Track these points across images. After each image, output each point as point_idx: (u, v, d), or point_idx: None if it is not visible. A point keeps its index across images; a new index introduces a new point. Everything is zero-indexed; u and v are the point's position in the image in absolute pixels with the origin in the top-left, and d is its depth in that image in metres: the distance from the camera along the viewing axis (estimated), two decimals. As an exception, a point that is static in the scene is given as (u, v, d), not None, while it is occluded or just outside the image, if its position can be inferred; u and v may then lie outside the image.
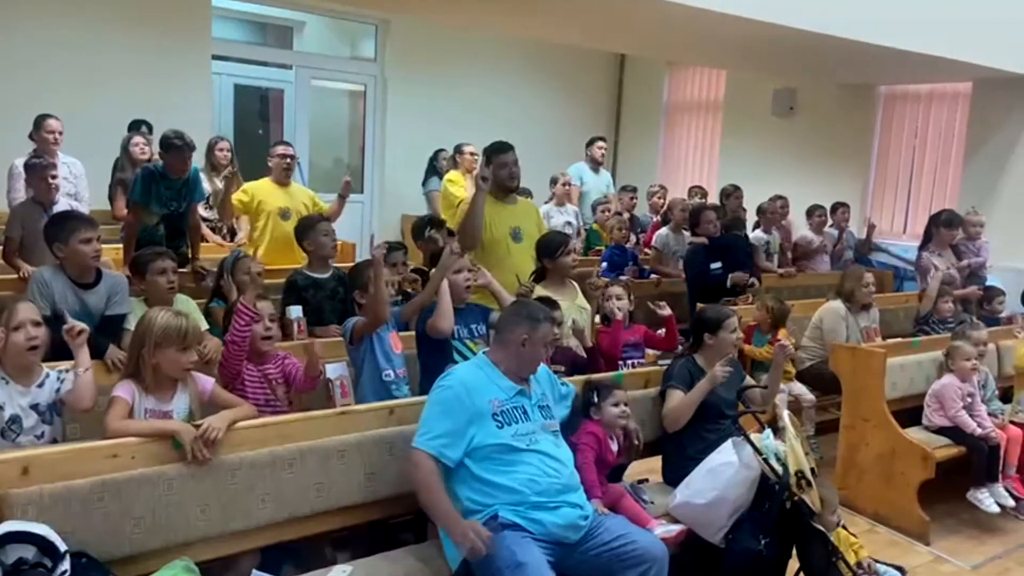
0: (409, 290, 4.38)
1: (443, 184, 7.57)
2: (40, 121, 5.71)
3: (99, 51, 7.38)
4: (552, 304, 3.65)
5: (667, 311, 4.31)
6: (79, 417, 3.05)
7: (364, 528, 3.04)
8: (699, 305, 4.50)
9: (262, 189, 5.54)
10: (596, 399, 3.28)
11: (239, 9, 8.81)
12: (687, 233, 6.77)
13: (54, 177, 4.77)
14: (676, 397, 3.51)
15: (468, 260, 3.76)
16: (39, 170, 4.75)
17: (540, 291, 4.14)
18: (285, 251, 5.14)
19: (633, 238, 7.09)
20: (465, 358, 3.51)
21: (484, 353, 2.98)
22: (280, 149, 5.58)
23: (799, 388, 5.07)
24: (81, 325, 2.86)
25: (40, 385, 2.68)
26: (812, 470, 3.17)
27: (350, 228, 8.72)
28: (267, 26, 9.57)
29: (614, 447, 3.27)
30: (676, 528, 3.09)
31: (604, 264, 6.36)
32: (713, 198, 8.12)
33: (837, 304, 5.26)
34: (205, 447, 2.51)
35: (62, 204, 4.81)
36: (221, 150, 6.53)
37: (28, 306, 2.65)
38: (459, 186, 7.38)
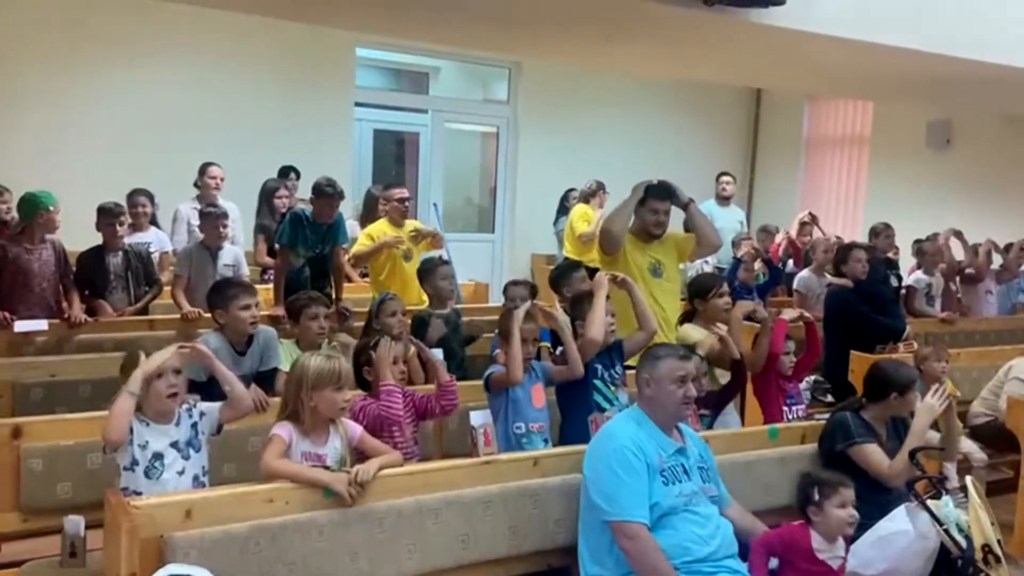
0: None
1: (571, 217, 7.46)
2: (204, 168, 6.10)
3: (254, 104, 7.86)
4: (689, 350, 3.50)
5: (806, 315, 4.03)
6: (234, 456, 3.17)
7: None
8: (858, 356, 4.20)
9: (382, 232, 5.61)
10: (816, 496, 2.76)
11: (379, 58, 9.19)
12: (830, 276, 6.43)
13: (225, 226, 5.10)
14: (876, 451, 3.17)
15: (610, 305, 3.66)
16: (213, 218, 5.08)
17: (690, 329, 3.99)
18: (410, 292, 5.21)
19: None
20: (604, 397, 3.45)
21: (637, 406, 2.87)
22: (397, 193, 5.63)
23: (969, 445, 4.63)
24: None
25: (176, 424, 2.76)
26: (999, 542, 2.86)
27: (481, 268, 8.81)
28: (404, 73, 9.92)
29: (835, 550, 2.76)
30: None
31: None
32: (860, 236, 7.67)
33: None
34: (359, 487, 2.55)
35: (226, 249, 5.12)
36: (384, 205, 6.64)
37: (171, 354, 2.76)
38: (584, 222, 7.30)
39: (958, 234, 6.78)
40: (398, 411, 3.02)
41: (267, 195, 6.44)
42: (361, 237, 5.75)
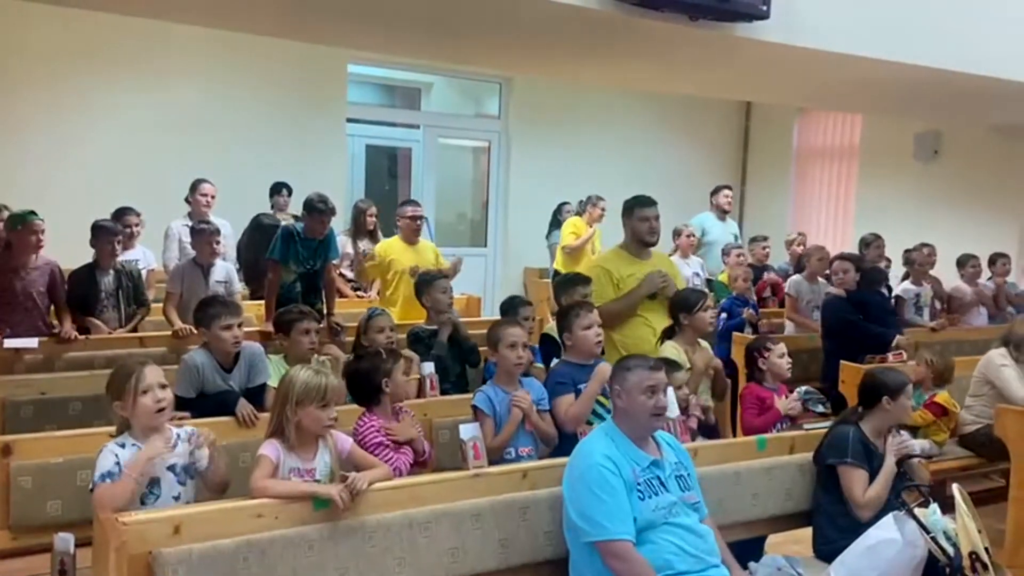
0: None
1: (563, 230, 7.61)
2: (196, 185, 6.12)
3: (246, 121, 7.89)
4: (671, 364, 3.52)
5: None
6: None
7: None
8: (848, 366, 4.22)
9: (393, 248, 5.69)
10: None
11: (371, 74, 9.25)
12: (823, 281, 6.47)
13: (217, 242, 5.13)
14: (861, 478, 3.19)
15: (597, 316, 3.67)
16: (206, 235, 5.11)
17: (670, 349, 3.98)
18: (418, 308, 5.21)
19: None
20: (596, 414, 3.44)
21: (611, 419, 2.87)
22: (410, 210, 5.74)
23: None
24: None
25: (172, 446, 2.73)
26: (987, 550, 2.87)
27: (473, 282, 8.82)
28: (396, 88, 9.98)
29: None
30: None
31: (723, 315, 6.13)
32: (850, 247, 7.73)
33: (998, 352, 4.81)
34: (350, 494, 2.54)
35: (217, 265, 5.13)
36: (371, 216, 6.70)
37: (155, 370, 2.74)
38: (572, 235, 7.48)
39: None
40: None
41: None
42: (373, 254, 5.81)
